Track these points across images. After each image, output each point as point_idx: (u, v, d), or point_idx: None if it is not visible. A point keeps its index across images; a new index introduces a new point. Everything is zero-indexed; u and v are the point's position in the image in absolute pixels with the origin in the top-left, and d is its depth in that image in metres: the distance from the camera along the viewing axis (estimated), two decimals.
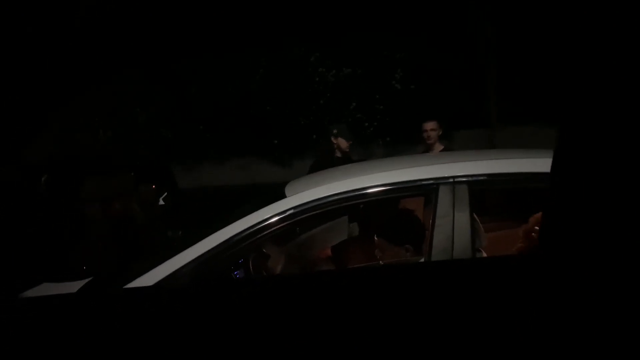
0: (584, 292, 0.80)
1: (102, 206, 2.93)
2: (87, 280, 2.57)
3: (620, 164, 0.80)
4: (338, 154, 4.64)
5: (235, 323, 0.96)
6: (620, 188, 0.80)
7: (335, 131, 4.71)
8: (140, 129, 9.64)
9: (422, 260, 2.37)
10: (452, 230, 2.25)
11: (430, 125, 4.46)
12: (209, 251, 2.23)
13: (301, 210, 2.33)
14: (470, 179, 2.33)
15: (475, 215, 2.47)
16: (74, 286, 2.51)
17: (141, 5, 9.70)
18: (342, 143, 4.64)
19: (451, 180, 2.32)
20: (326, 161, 4.40)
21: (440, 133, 4.50)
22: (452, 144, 8.97)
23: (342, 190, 2.35)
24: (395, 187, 2.38)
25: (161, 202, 3.22)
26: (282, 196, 2.43)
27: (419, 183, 2.37)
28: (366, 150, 9.19)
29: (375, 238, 2.62)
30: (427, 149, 4.52)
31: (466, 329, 0.85)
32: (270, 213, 2.31)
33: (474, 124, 9.88)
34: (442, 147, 4.49)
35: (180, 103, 10.01)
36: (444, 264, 1.77)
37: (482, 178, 2.35)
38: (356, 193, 2.35)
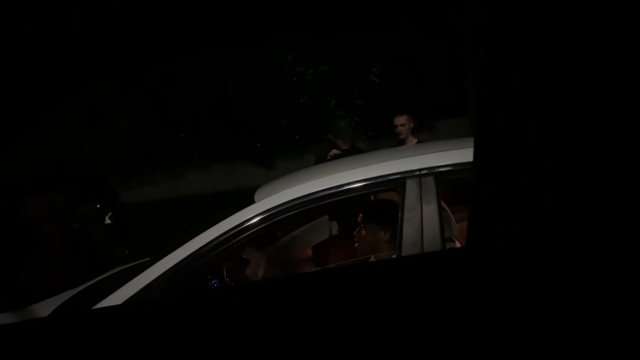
0: (509, 286, 0.81)
1: (44, 226, 2.91)
2: (37, 304, 2.54)
3: (540, 154, 0.81)
4: (338, 151, 4.58)
5: (213, 334, 0.96)
6: (541, 178, 0.81)
7: (332, 129, 4.68)
8: (118, 139, 9.58)
9: (394, 253, 2.38)
10: (420, 222, 2.27)
11: (400, 119, 4.43)
12: (179, 262, 2.23)
13: (270, 214, 2.34)
14: (436, 170, 2.34)
15: (444, 206, 2.48)
16: (26, 312, 2.48)
17: (111, 12, 9.62)
18: (339, 141, 4.58)
19: (417, 173, 2.34)
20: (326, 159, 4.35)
21: (412, 126, 4.49)
22: (433, 135, 9.00)
23: (309, 192, 2.36)
24: (362, 184, 2.39)
25: (107, 221, 3.21)
26: (252, 202, 2.43)
27: (386, 178, 2.38)
28: None
29: (359, 217, 2.62)
30: (400, 143, 4.50)
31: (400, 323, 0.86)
32: (239, 220, 2.32)
33: (455, 113, 9.91)
34: (415, 141, 4.48)
35: (158, 109, 9.94)
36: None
37: (447, 169, 2.37)
38: (324, 193, 2.36)
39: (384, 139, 8.57)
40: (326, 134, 4.78)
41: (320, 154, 4.88)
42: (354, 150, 4.57)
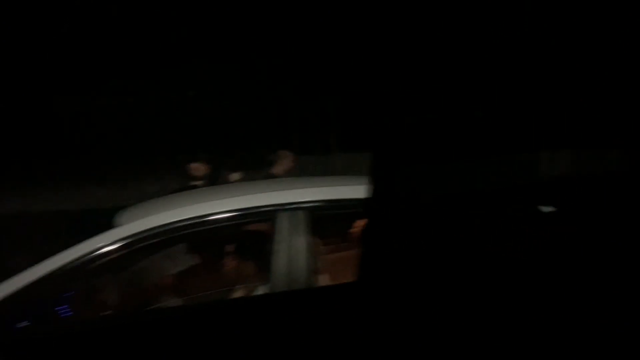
0: (400, 318, 0.86)
1: None
2: None
3: (433, 185, 0.87)
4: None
5: None
6: (432, 212, 0.87)
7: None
8: None
9: (264, 284, 2.38)
10: (289, 254, 2.30)
11: (283, 154, 4.48)
12: (25, 286, 2.01)
13: (133, 240, 2.22)
14: (307, 205, 2.41)
15: (316, 239, 2.55)
16: None
17: None
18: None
19: (288, 206, 2.38)
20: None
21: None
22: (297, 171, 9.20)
23: (178, 219, 2.29)
24: (234, 214, 2.38)
25: None
26: (112, 225, 2.29)
27: (258, 210, 2.40)
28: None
29: (228, 247, 2.59)
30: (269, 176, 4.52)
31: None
32: (97, 244, 2.17)
33: (316, 150, 10.27)
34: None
35: (8, 124, 9.00)
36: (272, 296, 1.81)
37: (318, 204, 2.45)
38: (194, 221, 2.31)
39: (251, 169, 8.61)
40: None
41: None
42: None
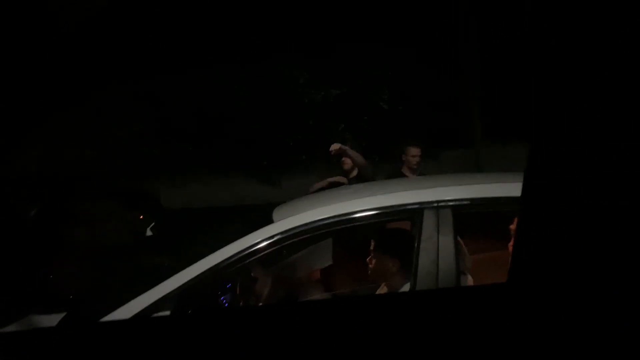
0: (553, 322, 0.83)
1: (88, 231, 2.91)
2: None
3: (593, 190, 0.83)
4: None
5: (220, 356, 0.96)
6: (592, 215, 0.83)
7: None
8: (123, 147, 9.58)
9: (408, 283, 2.40)
10: (436, 253, 2.29)
11: (417, 151, 4.43)
12: (195, 277, 2.25)
13: (289, 235, 2.37)
14: (453, 203, 2.38)
15: (459, 239, 2.51)
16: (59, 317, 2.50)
17: (121, 18, 9.74)
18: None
19: (435, 204, 2.37)
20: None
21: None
22: (439, 164, 9.03)
23: (329, 215, 2.39)
24: (381, 211, 2.42)
25: (149, 233, 3.21)
26: (270, 221, 2.46)
27: (404, 207, 2.42)
28: None
29: (372, 244, 2.63)
30: (411, 173, 4.49)
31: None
32: (258, 238, 2.34)
33: (460, 144, 9.99)
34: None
35: (165, 120, 9.99)
36: (420, 294, 1.80)
37: (465, 202, 2.40)
38: (343, 218, 2.39)
39: (390, 165, 8.65)
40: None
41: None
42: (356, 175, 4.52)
